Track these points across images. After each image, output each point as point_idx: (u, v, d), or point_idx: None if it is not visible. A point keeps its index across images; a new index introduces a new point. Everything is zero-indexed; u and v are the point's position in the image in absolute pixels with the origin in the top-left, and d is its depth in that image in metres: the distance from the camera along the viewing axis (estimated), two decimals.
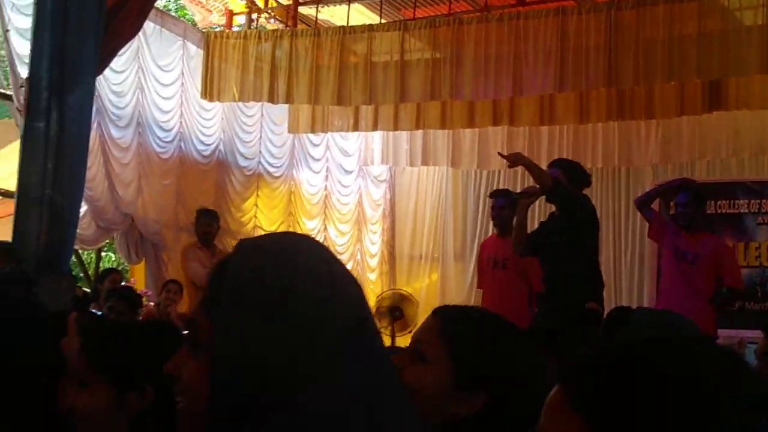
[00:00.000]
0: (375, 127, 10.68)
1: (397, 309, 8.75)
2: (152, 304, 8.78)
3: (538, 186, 6.41)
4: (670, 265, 6.93)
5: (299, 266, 1.29)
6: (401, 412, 1.31)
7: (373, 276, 12.30)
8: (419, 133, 11.21)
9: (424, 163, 11.76)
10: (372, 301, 8.90)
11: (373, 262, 12.31)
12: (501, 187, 10.38)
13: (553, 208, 6.58)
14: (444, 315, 1.98)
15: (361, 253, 12.19)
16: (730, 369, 1.13)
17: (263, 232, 10.59)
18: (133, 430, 2.01)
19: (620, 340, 3.08)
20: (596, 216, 6.48)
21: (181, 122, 10.32)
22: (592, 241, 6.44)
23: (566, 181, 6.24)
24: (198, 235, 9.16)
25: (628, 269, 10.16)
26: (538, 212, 8.25)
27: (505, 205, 7.45)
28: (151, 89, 9.91)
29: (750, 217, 9.23)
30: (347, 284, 1.33)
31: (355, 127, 10.69)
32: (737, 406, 1.08)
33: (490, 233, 9.38)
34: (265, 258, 1.30)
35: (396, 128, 10.65)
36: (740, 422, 1.08)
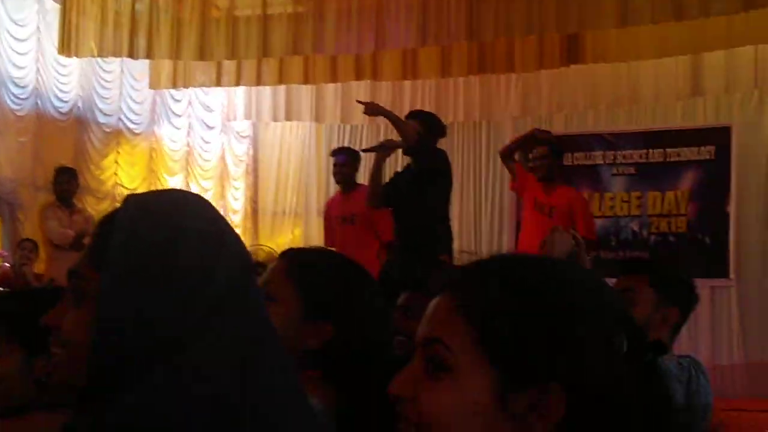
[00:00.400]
0: (238, 83, 10.56)
1: (260, 265, 8.75)
2: (8, 265, 8.55)
3: (395, 140, 6.49)
4: (530, 217, 7.11)
5: (186, 224, 1.31)
6: (278, 362, 1.36)
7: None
8: (282, 88, 11.15)
9: (288, 118, 11.70)
10: None
11: (236, 218, 12.21)
12: (365, 141, 10.44)
13: (409, 160, 6.64)
14: (290, 256, 2.12)
15: (224, 209, 12.05)
16: (597, 283, 1.25)
17: (124, 190, 10.44)
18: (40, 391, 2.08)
19: None
20: (451, 170, 6.61)
21: (37, 78, 9.97)
22: (445, 194, 6.58)
23: (424, 132, 6.32)
24: (56, 193, 8.95)
25: (488, 221, 10.34)
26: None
27: (346, 162, 7.55)
28: (5, 45, 9.55)
29: (605, 169, 9.49)
30: (232, 242, 1.36)
31: (218, 83, 10.54)
32: (603, 315, 1.19)
33: None
34: (152, 214, 1.32)
35: (259, 83, 10.57)
36: (605, 332, 1.17)
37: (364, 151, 7.75)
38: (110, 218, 1.35)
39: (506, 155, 7.28)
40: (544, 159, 7.11)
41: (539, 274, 1.21)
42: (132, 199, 1.36)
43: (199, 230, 1.32)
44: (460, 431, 1.15)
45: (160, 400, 1.23)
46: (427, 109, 8.66)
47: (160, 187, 9.66)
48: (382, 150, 6.59)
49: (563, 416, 1.13)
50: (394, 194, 6.54)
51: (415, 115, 6.60)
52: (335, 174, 7.74)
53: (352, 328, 1.98)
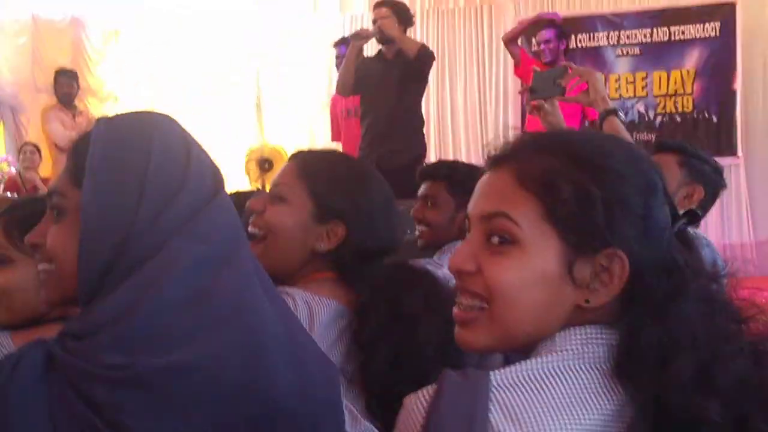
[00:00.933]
0: None
1: (266, 161, 8.74)
2: (14, 170, 8.55)
3: (369, 30, 6.42)
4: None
5: (156, 142, 1.39)
6: (249, 266, 1.44)
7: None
8: None
9: None
10: (243, 154, 8.87)
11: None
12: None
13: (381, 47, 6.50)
14: (300, 158, 2.12)
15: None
16: (647, 155, 1.32)
17: (125, 92, 10.37)
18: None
19: None
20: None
21: None
22: (419, 86, 6.51)
23: (397, 21, 6.23)
24: (57, 96, 8.93)
25: (493, 107, 10.26)
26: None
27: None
28: None
29: (610, 50, 9.37)
30: (201, 155, 1.45)
31: None
32: (658, 186, 1.26)
33: None
34: (124, 134, 1.41)
35: None
36: (660, 201, 1.25)
37: (337, 44, 7.69)
38: (85, 139, 1.42)
39: (510, 40, 7.18)
40: (548, 43, 7.03)
41: (592, 144, 1.27)
42: (104, 120, 1.44)
43: (168, 145, 1.41)
44: (526, 300, 1.21)
45: (133, 303, 1.29)
46: None
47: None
48: (357, 39, 6.46)
49: (625, 285, 1.19)
50: (367, 83, 6.43)
51: (386, 3, 6.45)
52: (338, 66, 7.61)
53: (364, 229, 2.01)
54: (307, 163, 2.09)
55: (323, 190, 2.02)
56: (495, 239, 1.23)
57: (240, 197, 2.84)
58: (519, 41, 7.23)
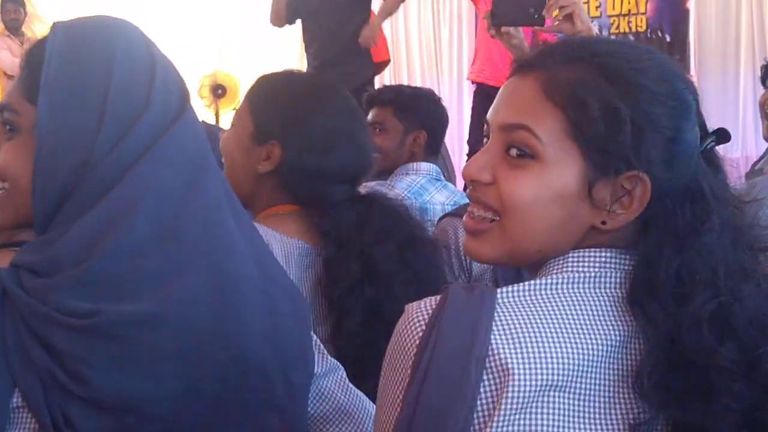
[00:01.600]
0: None
1: (220, 87, 8.68)
2: None
3: None
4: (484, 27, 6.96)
5: (118, 50, 1.29)
6: (219, 188, 1.35)
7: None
8: None
9: None
10: (194, 81, 8.78)
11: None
12: None
13: None
14: (255, 82, 2.10)
15: None
16: (681, 72, 1.25)
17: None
18: None
19: None
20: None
21: None
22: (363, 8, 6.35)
23: None
24: (4, 23, 8.74)
25: (447, 32, 10.19)
26: None
27: None
28: None
29: None
30: (167, 67, 1.35)
31: None
32: (690, 107, 1.21)
33: None
34: (83, 41, 1.30)
35: None
36: (690, 124, 1.20)
37: None
38: (39, 48, 1.31)
39: None
40: None
41: (625, 58, 1.19)
42: (60, 27, 1.32)
43: (132, 57, 1.30)
44: (541, 217, 1.17)
45: (96, 241, 1.20)
46: None
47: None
48: None
49: (645, 210, 1.15)
50: (306, 8, 6.19)
51: None
52: None
53: (301, 148, 1.96)
54: (256, 85, 2.08)
55: (260, 109, 2.01)
56: (514, 152, 1.18)
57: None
58: None
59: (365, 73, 6.17)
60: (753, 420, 1.09)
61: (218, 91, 8.65)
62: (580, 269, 1.16)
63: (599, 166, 1.15)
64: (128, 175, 1.23)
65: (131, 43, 1.32)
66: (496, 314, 1.10)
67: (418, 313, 1.13)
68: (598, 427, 1.08)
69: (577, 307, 1.12)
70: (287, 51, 9.09)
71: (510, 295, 1.12)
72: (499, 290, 1.13)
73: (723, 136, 1.24)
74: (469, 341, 1.07)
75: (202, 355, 1.23)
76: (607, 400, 1.09)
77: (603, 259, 1.16)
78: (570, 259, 1.17)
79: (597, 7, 9.15)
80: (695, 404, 1.07)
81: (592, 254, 1.16)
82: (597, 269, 1.15)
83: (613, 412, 1.09)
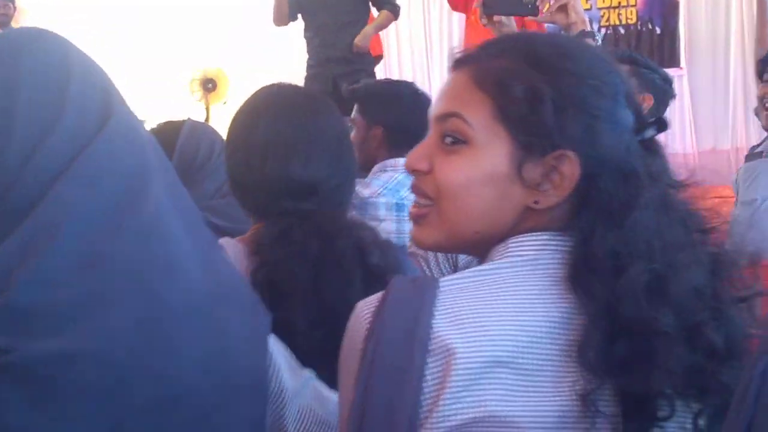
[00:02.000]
0: None
1: (210, 81, 8.67)
2: None
3: None
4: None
5: (26, 62, 1.16)
6: (168, 187, 1.24)
7: None
8: None
9: None
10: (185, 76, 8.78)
11: None
12: None
13: None
14: None
15: None
16: (608, 58, 1.32)
17: None
18: None
19: None
20: None
21: None
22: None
23: None
24: None
25: (438, 26, 10.16)
26: None
27: None
28: None
29: None
30: (87, 76, 1.21)
31: None
32: (616, 88, 1.25)
33: None
34: None
35: None
36: (616, 103, 1.24)
37: None
38: None
39: None
40: None
41: (552, 46, 1.27)
42: None
43: (42, 69, 1.17)
44: (473, 199, 1.23)
45: (11, 272, 1.07)
46: None
47: None
48: None
49: (575, 188, 1.19)
50: (306, 5, 6.24)
51: None
52: None
53: (237, 163, 1.95)
54: None
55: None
56: (448, 139, 1.24)
57: (170, 127, 2.77)
58: None
59: (371, 68, 6.20)
60: (696, 384, 1.14)
61: (208, 85, 8.64)
62: (522, 253, 1.20)
63: (526, 147, 1.20)
64: (47, 197, 1.10)
65: (41, 50, 1.19)
66: (438, 300, 1.13)
67: (365, 307, 1.17)
68: (547, 399, 1.11)
69: (518, 289, 1.16)
70: (276, 46, 9.05)
71: (452, 281, 1.17)
72: (442, 279, 1.17)
73: (662, 123, 1.30)
74: (412, 326, 1.11)
75: (128, 392, 1.11)
76: (553, 374, 1.12)
77: (541, 242, 1.20)
78: (510, 245, 1.21)
79: (587, 0, 9.16)
80: (639, 370, 1.10)
81: (530, 238, 1.21)
82: (536, 252, 1.20)
83: (560, 385, 1.11)
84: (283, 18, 6.34)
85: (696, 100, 9.03)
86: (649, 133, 1.27)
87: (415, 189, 1.30)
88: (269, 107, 1.96)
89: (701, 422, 1.16)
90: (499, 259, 1.20)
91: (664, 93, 3.56)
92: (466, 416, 1.09)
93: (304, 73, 6.50)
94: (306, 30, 6.46)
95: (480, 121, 1.22)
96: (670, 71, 8.44)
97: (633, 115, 1.25)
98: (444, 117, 1.26)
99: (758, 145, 3.59)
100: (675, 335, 1.12)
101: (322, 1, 6.15)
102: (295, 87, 2.11)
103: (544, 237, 1.20)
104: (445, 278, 1.18)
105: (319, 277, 1.77)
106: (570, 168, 1.19)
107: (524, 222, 1.22)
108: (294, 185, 1.87)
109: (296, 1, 6.23)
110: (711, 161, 8.72)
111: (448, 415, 1.09)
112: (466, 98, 1.24)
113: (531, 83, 1.20)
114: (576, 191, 1.20)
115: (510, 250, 1.21)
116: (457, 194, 1.23)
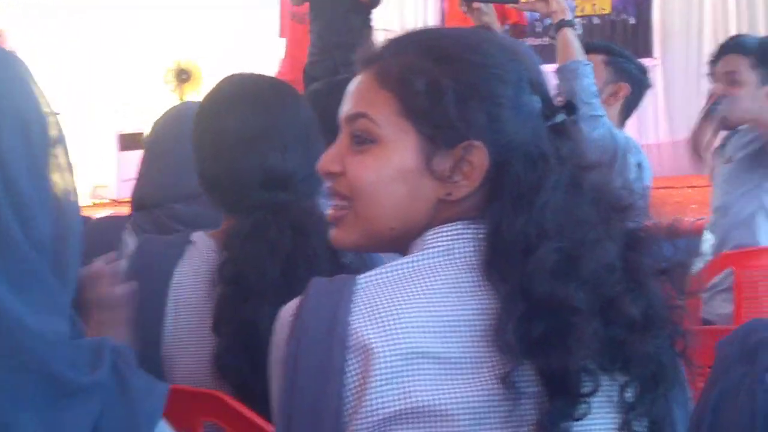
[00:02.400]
0: None
1: (184, 72, 8.65)
2: None
3: None
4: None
5: None
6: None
7: None
8: None
9: None
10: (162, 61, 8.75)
11: None
12: None
13: None
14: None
15: None
16: (512, 46, 1.31)
17: None
18: None
19: None
20: None
21: None
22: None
23: None
24: None
25: (413, 7, 10.15)
26: None
27: None
28: None
29: None
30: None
31: None
32: (519, 75, 1.25)
33: None
34: None
35: None
36: (519, 90, 1.25)
37: None
38: None
39: None
40: None
41: (453, 38, 1.29)
42: None
43: None
44: (386, 196, 1.24)
45: None
46: None
47: None
48: None
49: (486, 176, 1.21)
50: None
51: None
52: None
53: (210, 159, 1.89)
54: None
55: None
56: (357, 139, 1.26)
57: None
58: None
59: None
60: (619, 356, 1.16)
61: (182, 76, 8.62)
62: (437, 244, 1.21)
63: (433, 140, 1.22)
64: None
65: None
66: (355, 297, 1.15)
67: (286, 311, 1.19)
68: (471, 386, 1.12)
69: (434, 280, 1.17)
70: (248, 39, 9.03)
71: (369, 278, 1.18)
72: (360, 275, 1.19)
73: (570, 107, 1.30)
74: (331, 325, 1.13)
75: None
76: (475, 360, 1.13)
77: (455, 231, 1.21)
78: (427, 238, 1.22)
79: None
80: (555, 348, 1.12)
81: (445, 229, 1.21)
82: (450, 241, 1.21)
83: (481, 370, 1.12)
84: None
85: (670, 90, 9.08)
86: (559, 117, 1.28)
87: (330, 191, 1.31)
88: (235, 98, 1.90)
89: (628, 394, 1.17)
90: (417, 251, 1.21)
91: (640, 82, 3.59)
92: (391, 409, 1.10)
93: (277, 66, 6.47)
94: (310, 8, 6.46)
95: (386, 118, 1.24)
96: (644, 61, 8.50)
97: (540, 101, 1.26)
98: (352, 118, 1.27)
99: (725, 143, 3.59)
100: (589, 311, 1.13)
101: None
102: (259, 76, 2.04)
103: (459, 226, 1.21)
104: (363, 275, 1.18)
105: (289, 274, 1.73)
106: (478, 157, 1.20)
107: (440, 214, 1.24)
108: (269, 176, 1.82)
109: None
110: (685, 151, 8.76)
111: (374, 410, 1.10)
112: (371, 98, 1.26)
113: (431, 77, 1.21)
114: (488, 179, 1.21)
115: (427, 242, 1.22)
116: (370, 193, 1.24)
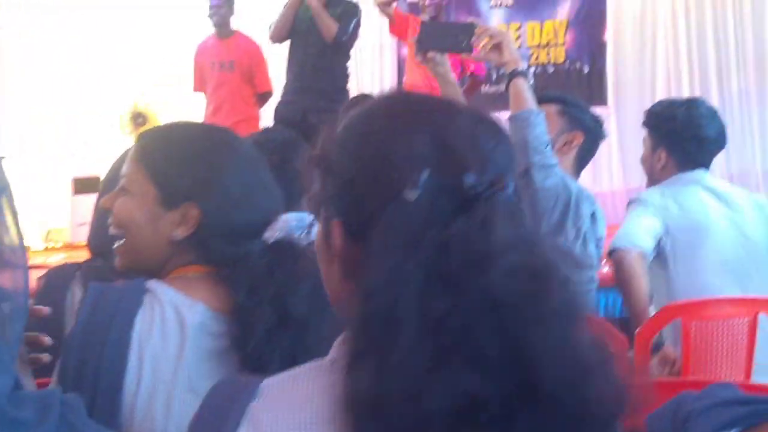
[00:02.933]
0: None
1: (140, 116, 8.63)
2: None
3: None
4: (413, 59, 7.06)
5: None
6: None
7: None
8: None
9: None
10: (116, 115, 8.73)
11: None
12: None
13: None
14: (140, 140, 1.93)
15: None
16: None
17: None
18: None
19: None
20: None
21: None
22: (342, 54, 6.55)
23: None
24: None
25: (369, 62, 10.20)
26: None
27: (222, 4, 7.29)
28: None
29: (483, 1, 9.43)
30: None
31: None
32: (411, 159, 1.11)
33: None
34: None
35: None
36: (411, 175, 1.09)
37: None
38: None
39: (384, 3, 7.04)
40: None
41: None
42: None
43: None
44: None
45: None
46: None
47: None
48: None
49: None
50: (294, 28, 6.43)
51: None
52: (210, 16, 7.40)
53: (221, 206, 1.83)
54: (145, 145, 1.90)
55: (163, 171, 1.84)
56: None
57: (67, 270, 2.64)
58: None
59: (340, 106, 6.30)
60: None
61: (138, 119, 8.60)
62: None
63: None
64: None
65: None
66: (248, 409, 1.13)
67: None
68: None
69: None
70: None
71: (271, 384, 1.16)
72: (263, 381, 1.17)
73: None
74: None
75: None
76: None
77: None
78: None
79: (517, 38, 9.28)
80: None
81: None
82: None
83: None
84: (281, 35, 6.52)
85: (623, 137, 9.17)
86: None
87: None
88: (213, 143, 1.89)
89: None
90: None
91: (595, 132, 3.63)
92: None
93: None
94: (289, 51, 6.63)
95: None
96: (598, 109, 8.57)
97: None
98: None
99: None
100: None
101: (305, 32, 6.37)
102: (199, 125, 2.06)
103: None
104: (267, 380, 1.17)
105: (282, 295, 1.75)
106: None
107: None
108: (268, 220, 1.85)
109: (294, 27, 6.42)
110: None
111: None
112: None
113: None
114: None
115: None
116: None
